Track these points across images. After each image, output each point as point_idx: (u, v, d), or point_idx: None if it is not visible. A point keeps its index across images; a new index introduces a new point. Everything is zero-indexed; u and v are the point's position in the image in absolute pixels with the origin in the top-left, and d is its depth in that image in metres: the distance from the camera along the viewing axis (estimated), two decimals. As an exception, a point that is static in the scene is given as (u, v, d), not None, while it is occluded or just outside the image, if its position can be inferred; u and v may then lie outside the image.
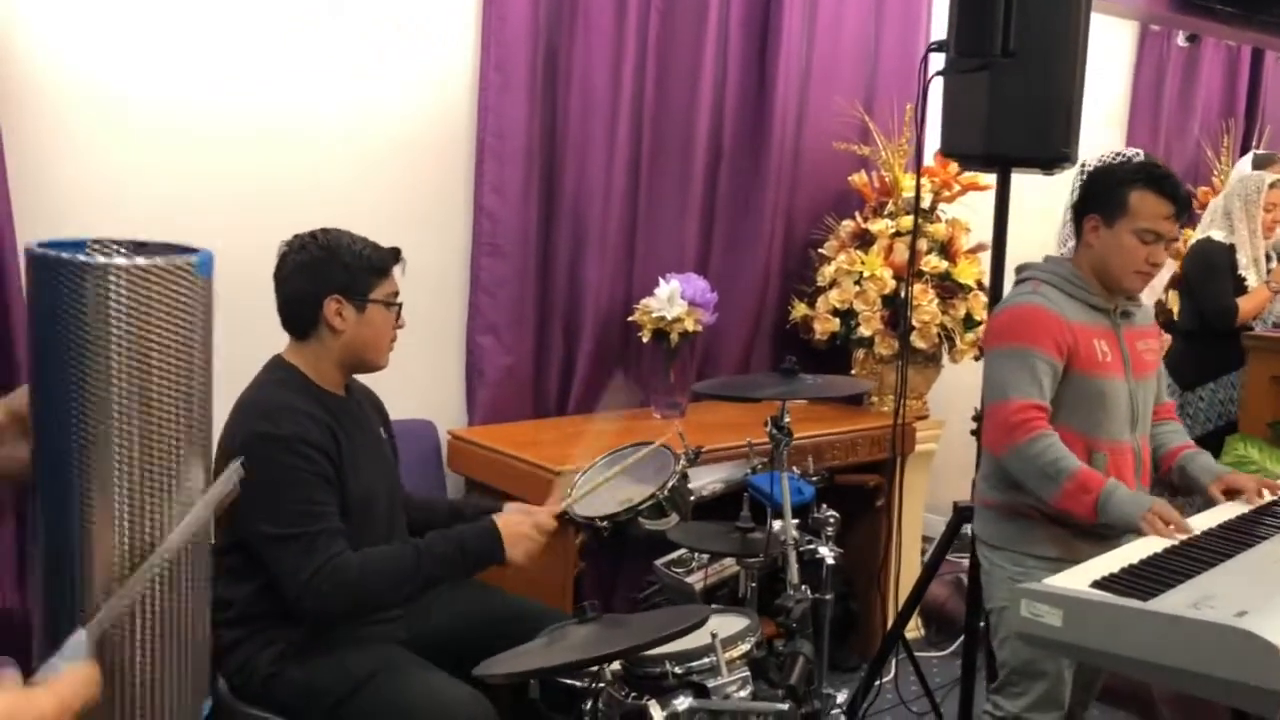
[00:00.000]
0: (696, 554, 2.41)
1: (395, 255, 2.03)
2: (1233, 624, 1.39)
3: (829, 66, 3.67)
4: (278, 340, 2.04)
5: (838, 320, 3.53)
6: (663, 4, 3.27)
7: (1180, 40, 4.42)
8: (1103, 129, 4.64)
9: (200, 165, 2.66)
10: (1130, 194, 2.15)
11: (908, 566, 3.43)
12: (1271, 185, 3.79)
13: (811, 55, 3.63)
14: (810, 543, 2.07)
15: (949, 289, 3.47)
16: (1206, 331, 3.75)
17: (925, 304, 3.40)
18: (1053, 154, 2.50)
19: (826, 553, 2.05)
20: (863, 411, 3.59)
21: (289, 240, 2.00)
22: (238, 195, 2.71)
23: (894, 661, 3.15)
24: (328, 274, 1.94)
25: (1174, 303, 4.34)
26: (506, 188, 3.08)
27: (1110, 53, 4.59)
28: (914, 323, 3.40)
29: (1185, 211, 2.19)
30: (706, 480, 2.22)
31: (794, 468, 2.17)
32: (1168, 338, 3.85)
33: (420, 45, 2.97)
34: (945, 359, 3.61)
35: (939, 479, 3.94)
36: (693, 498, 2.23)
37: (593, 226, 3.27)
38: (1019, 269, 2.35)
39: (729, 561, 2.36)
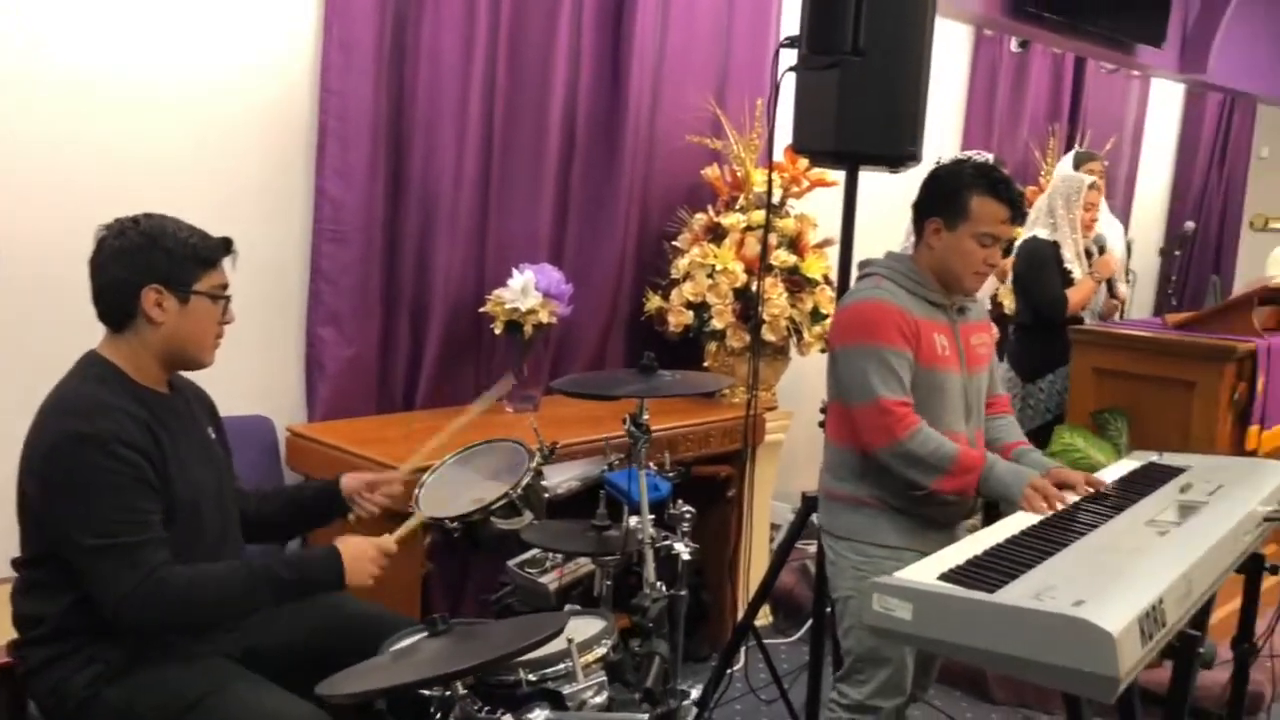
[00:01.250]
0: (551, 554, 2.35)
1: (225, 246, 1.89)
2: (1072, 614, 1.43)
3: (682, 58, 3.67)
4: (94, 334, 1.87)
5: (691, 313, 3.53)
6: (515, -12, 3.20)
7: (1013, 46, 4.62)
8: (942, 130, 4.82)
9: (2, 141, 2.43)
10: (971, 199, 2.21)
11: (757, 555, 3.48)
12: (1091, 186, 4.00)
13: (665, 45, 3.62)
14: (666, 539, 2.04)
15: (797, 283, 3.53)
16: (1042, 325, 3.93)
17: (775, 297, 3.44)
18: (900, 153, 2.55)
19: (682, 548, 2.03)
20: (715, 403, 3.60)
21: (108, 224, 1.84)
22: (47, 175, 2.49)
23: (744, 650, 3.18)
24: (148, 262, 1.78)
25: (1006, 297, 4.56)
26: (350, 171, 2.94)
27: (949, 56, 4.76)
28: (764, 316, 3.44)
29: (1020, 214, 2.28)
30: (562, 478, 2.17)
31: (651, 464, 2.15)
32: (998, 331, 4.03)
33: (256, 18, 2.80)
34: (794, 351, 3.67)
35: (787, 468, 4.02)
36: (547, 495, 2.17)
37: (443, 213, 3.17)
38: (862, 264, 2.40)
39: (583, 560, 2.32)
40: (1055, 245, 4.03)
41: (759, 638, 2.84)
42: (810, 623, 2.82)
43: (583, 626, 1.78)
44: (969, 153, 3.73)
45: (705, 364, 3.67)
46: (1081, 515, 2.03)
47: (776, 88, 2.68)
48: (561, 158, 3.41)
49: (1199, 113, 6.54)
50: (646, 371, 2.08)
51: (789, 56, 2.61)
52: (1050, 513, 2.03)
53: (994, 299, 4.66)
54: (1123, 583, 1.58)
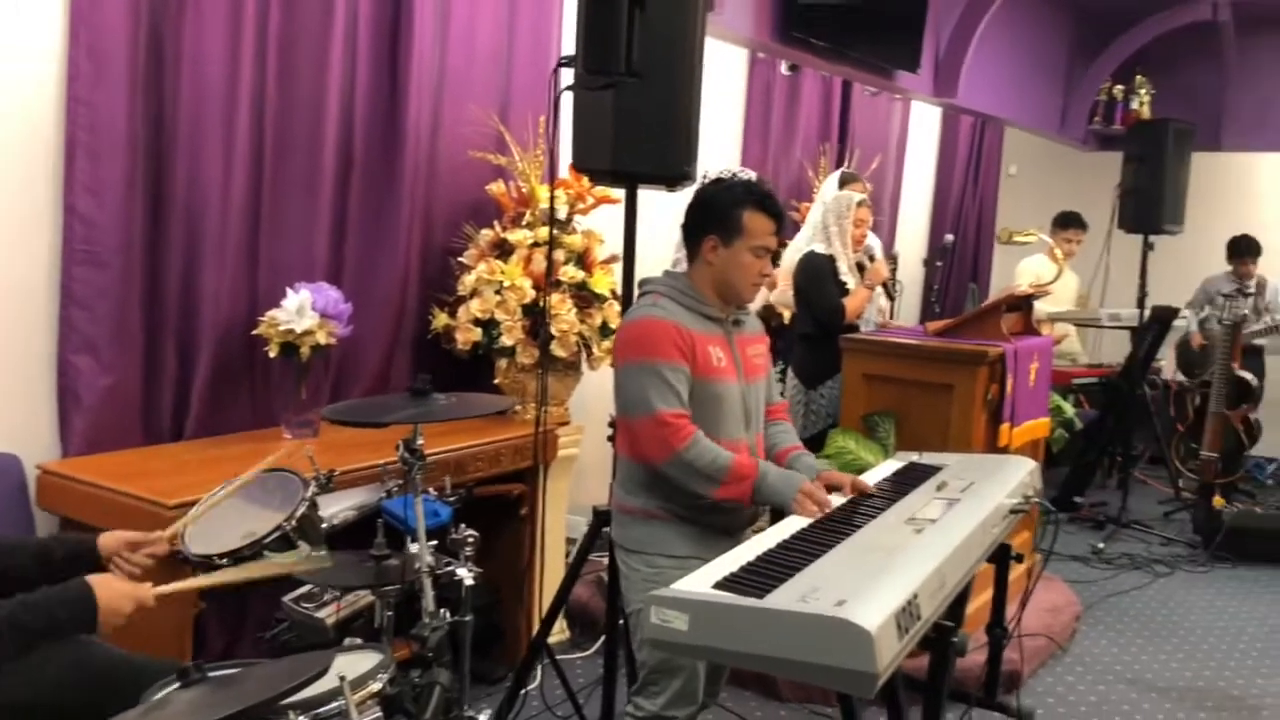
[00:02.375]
0: (328, 587, 2.27)
1: None
2: (834, 614, 1.51)
3: (463, 74, 3.63)
4: None
5: (479, 330, 3.50)
6: (283, -2, 3.08)
7: (783, 69, 4.84)
8: (722, 149, 4.99)
9: None
10: (744, 215, 2.31)
11: (554, 571, 3.48)
12: (859, 204, 4.25)
13: (445, 62, 3.58)
14: (449, 565, 2.01)
15: (585, 298, 3.56)
16: (822, 334, 4.13)
17: (563, 313, 3.46)
18: (675, 172, 2.61)
19: (465, 574, 2.00)
20: (506, 421, 3.58)
21: None
22: None
23: (540, 668, 3.18)
24: None
25: (783, 309, 4.76)
26: (103, 188, 2.74)
27: (727, 78, 4.94)
28: (553, 331, 3.45)
29: (784, 226, 2.40)
30: (338, 507, 2.10)
31: (430, 488, 2.10)
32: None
33: (-11, 21, 2.57)
34: (585, 366, 3.70)
35: (580, 482, 4.05)
36: (325, 526, 2.09)
37: (210, 232, 3.00)
38: (640, 283, 2.45)
39: (364, 591, 2.25)
40: (831, 259, 4.25)
41: (552, 655, 2.84)
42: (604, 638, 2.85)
43: (357, 661, 1.72)
44: (733, 170, 3.87)
45: (496, 380, 3.65)
46: (849, 516, 2.14)
47: (555, 107, 2.71)
48: (338, 174, 3.31)
49: (954, 133, 7.06)
50: (420, 395, 2.04)
51: (569, 75, 2.64)
52: (819, 515, 2.14)
53: (769, 309, 4.87)
54: (882, 581, 1.67)
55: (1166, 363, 6.46)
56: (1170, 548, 5.18)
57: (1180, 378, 6.36)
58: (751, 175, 3.89)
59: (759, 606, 1.58)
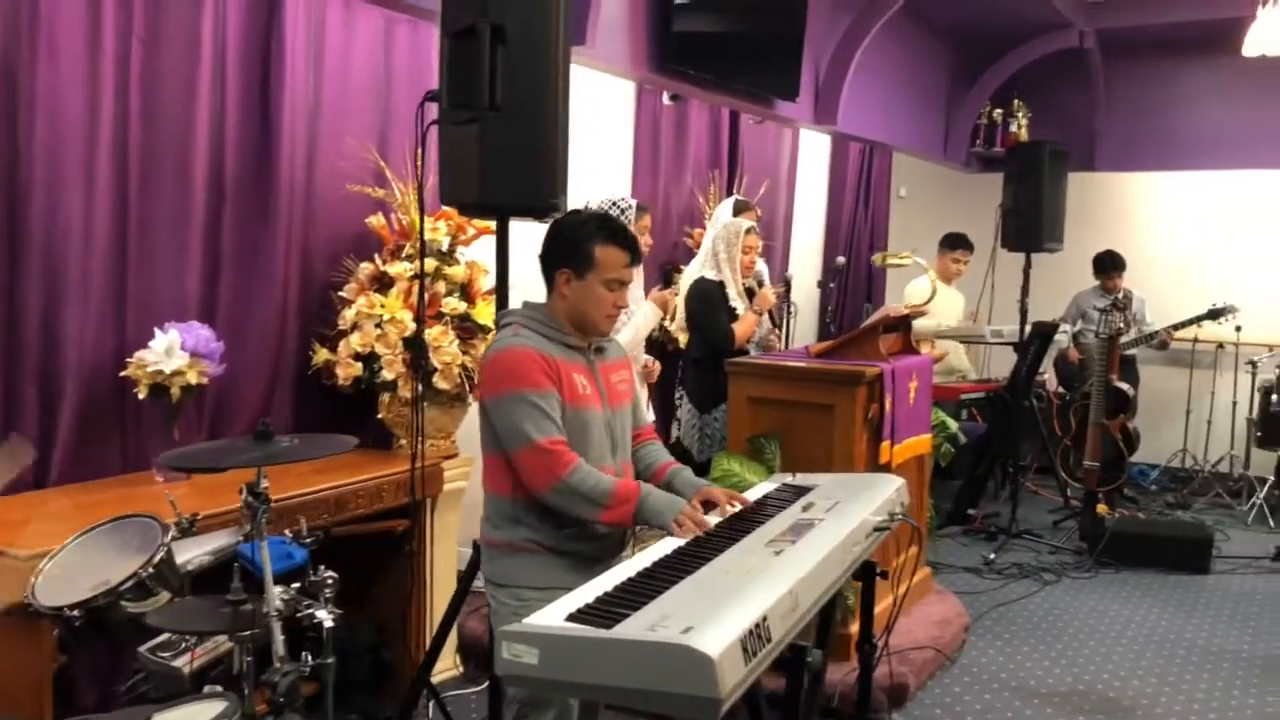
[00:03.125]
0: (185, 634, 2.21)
1: None
2: (677, 641, 1.52)
3: (339, 108, 3.61)
4: None
5: (360, 365, 3.46)
6: (145, 34, 3.02)
7: (665, 99, 4.91)
8: (612, 178, 5.04)
9: None
10: (595, 248, 2.33)
11: (445, 606, 3.44)
12: (747, 231, 4.33)
13: (320, 96, 3.55)
14: (309, 606, 1.98)
15: (469, 330, 3.54)
16: (713, 359, 4.18)
17: (446, 345, 3.44)
18: (543, 203, 2.64)
19: (325, 616, 1.97)
20: (392, 455, 3.55)
21: None
22: None
23: (430, 704, 3.13)
24: None
25: (680, 334, 4.81)
26: (-48, 229, 2.65)
27: (614, 108, 5.00)
28: (435, 364, 3.43)
29: (638, 257, 2.43)
30: (194, 553, 2.05)
31: (286, 530, 2.07)
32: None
33: None
34: (470, 398, 3.68)
35: (473, 515, 4.00)
36: (185, 571, 2.05)
37: (72, 274, 2.92)
38: (500, 314, 2.46)
39: (223, 638, 2.20)
40: (721, 284, 4.32)
41: (435, 692, 2.81)
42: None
43: (200, 711, 1.68)
44: (613, 199, 3.92)
45: (380, 416, 3.61)
46: (713, 540, 2.16)
47: (424, 140, 2.72)
48: (209, 211, 3.25)
49: (844, 157, 7.22)
50: (263, 438, 2.01)
51: (438, 110, 2.65)
52: (698, 533, 2.17)
53: (666, 332, 4.92)
54: (731, 605, 1.70)
55: (1049, 375, 6.70)
56: (1058, 556, 5.34)
57: (1061, 390, 6.59)
58: (632, 204, 3.95)
59: (607, 637, 1.59)
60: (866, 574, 2.44)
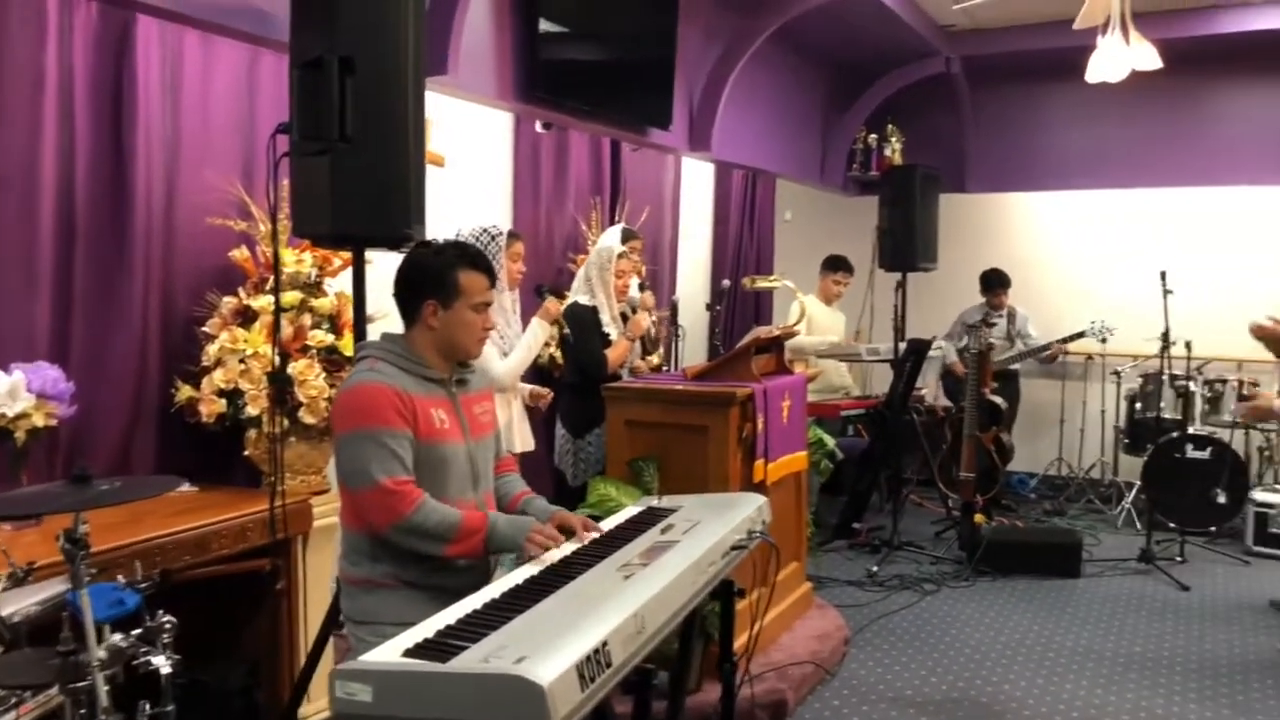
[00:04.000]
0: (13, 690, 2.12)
1: None
2: (508, 671, 1.53)
3: (199, 140, 3.54)
4: None
5: (224, 401, 3.38)
6: (-17, 66, 2.92)
7: (538, 127, 4.94)
8: (493, 207, 5.04)
9: None
10: (459, 275, 2.34)
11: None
12: (620, 255, 4.37)
13: (178, 128, 3.47)
14: (146, 654, 1.92)
15: (336, 362, 3.50)
16: (587, 383, 4.21)
17: (312, 379, 3.39)
18: (397, 234, 2.63)
19: (162, 662, 1.92)
20: (260, 493, 3.47)
21: None
22: None
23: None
24: None
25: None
26: None
27: (492, 136, 5.00)
28: (302, 398, 3.37)
29: (495, 279, 2.45)
30: (21, 604, 1.97)
31: (120, 576, 2.01)
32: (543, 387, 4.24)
33: None
34: (341, 431, 3.62)
35: (349, 550, 3.93)
36: (12, 622, 1.96)
37: (-95, 315, 2.80)
38: (358, 348, 2.44)
39: (55, 690, 2.11)
40: (594, 309, 4.35)
41: (300, 732, 2.74)
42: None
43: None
44: (482, 226, 3.92)
45: (246, 453, 3.53)
46: (566, 567, 2.17)
47: (276, 172, 2.69)
48: (59, 247, 3.15)
49: (728, 182, 7.36)
50: (80, 482, 1.95)
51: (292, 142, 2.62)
52: (551, 551, 2.18)
53: (554, 360, 4.93)
54: (572, 631, 1.71)
55: (928, 390, 6.91)
56: (939, 566, 5.49)
57: (945, 403, 6.81)
58: (504, 231, 3.96)
59: (440, 671, 1.58)
60: (725, 593, 2.47)
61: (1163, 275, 5.60)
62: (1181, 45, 5.87)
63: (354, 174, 2.55)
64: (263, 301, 3.47)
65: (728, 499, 2.83)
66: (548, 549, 2.22)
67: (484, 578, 2.44)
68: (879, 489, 6.40)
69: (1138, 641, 4.43)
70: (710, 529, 2.41)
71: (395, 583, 2.29)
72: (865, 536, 5.88)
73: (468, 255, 2.38)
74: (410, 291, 2.39)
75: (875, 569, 5.33)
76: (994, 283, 6.93)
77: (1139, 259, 6.84)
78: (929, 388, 6.92)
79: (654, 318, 4.92)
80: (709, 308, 6.74)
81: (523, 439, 4.10)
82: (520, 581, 2.08)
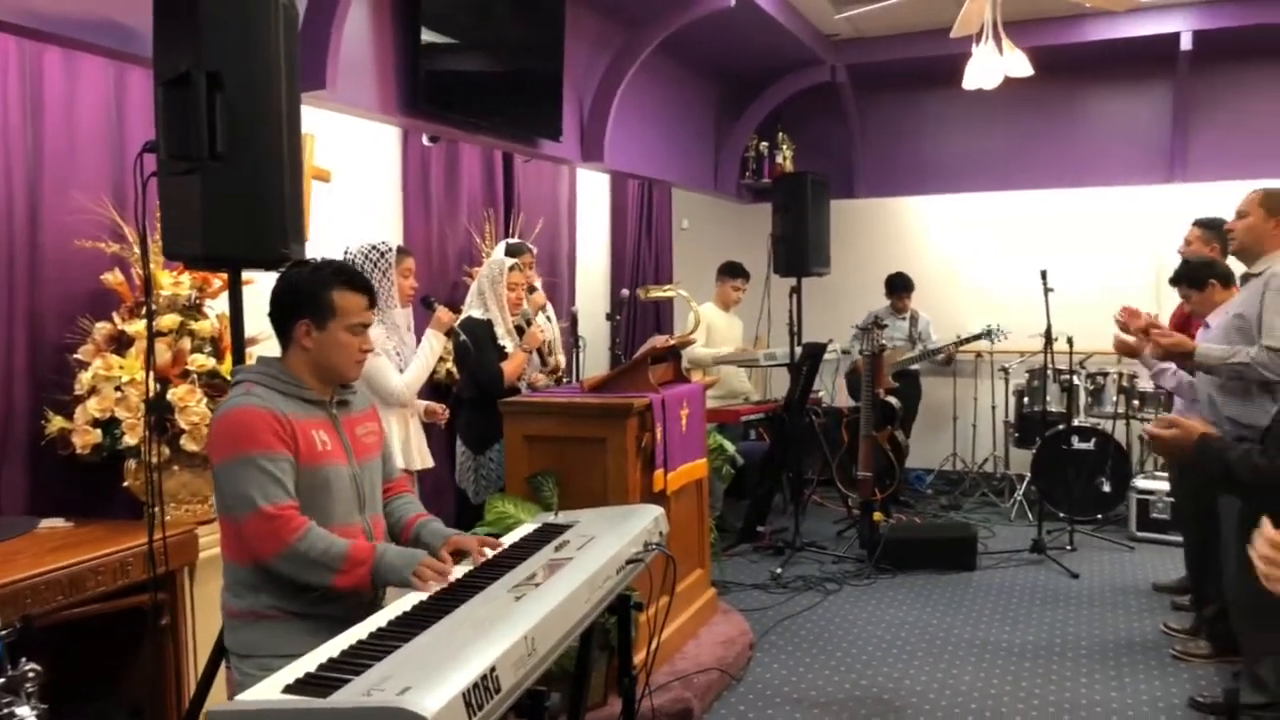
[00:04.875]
0: None
1: None
2: (390, 704, 1.48)
3: (64, 161, 3.39)
4: None
5: (100, 431, 3.24)
6: None
7: (425, 140, 4.88)
8: (381, 223, 4.95)
9: None
10: (333, 295, 2.29)
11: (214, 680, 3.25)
12: (511, 268, 4.33)
13: (41, 148, 3.32)
14: (10, 704, 1.82)
15: (219, 387, 3.38)
16: (485, 398, 4.15)
17: (193, 404, 3.27)
18: (273, 254, 2.55)
19: (26, 713, 1.82)
20: (143, 526, 3.33)
21: None
22: None
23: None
24: None
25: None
26: None
27: (379, 150, 4.91)
28: (183, 424, 3.25)
29: (375, 300, 2.40)
30: None
31: (-23, 624, 1.90)
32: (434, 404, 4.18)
33: None
34: (227, 458, 3.50)
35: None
36: None
37: None
38: (233, 373, 2.37)
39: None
40: (489, 323, 4.31)
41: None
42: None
43: None
44: (372, 243, 3.85)
45: (126, 484, 3.39)
46: (457, 591, 2.13)
47: (144, 192, 2.59)
48: (-89, 275, 2.98)
49: (624, 191, 7.38)
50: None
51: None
52: (444, 584, 2.13)
53: (451, 375, 4.86)
54: (459, 658, 1.67)
55: (824, 391, 7.04)
56: (841, 565, 5.57)
57: (851, 403, 6.93)
58: (393, 248, 3.89)
59: (321, 707, 1.53)
60: (623, 608, 2.46)
61: (1043, 274, 5.79)
62: (1052, 52, 6.11)
63: (226, 193, 2.47)
64: (139, 326, 3.34)
65: (625, 511, 2.82)
66: (439, 581, 2.16)
67: (373, 605, 2.38)
68: (782, 491, 6.48)
69: (1031, 630, 4.57)
70: (605, 544, 2.39)
71: (280, 614, 2.22)
72: (769, 539, 5.94)
73: (343, 274, 2.32)
74: (283, 312, 2.33)
75: (779, 571, 5.39)
76: (897, 286, 7.11)
77: (1021, 258, 7.08)
78: (828, 389, 7.03)
79: (548, 314, 4.90)
80: (609, 317, 6.73)
81: (422, 456, 4.04)
82: (409, 608, 2.03)
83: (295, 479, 2.21)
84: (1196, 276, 4.21)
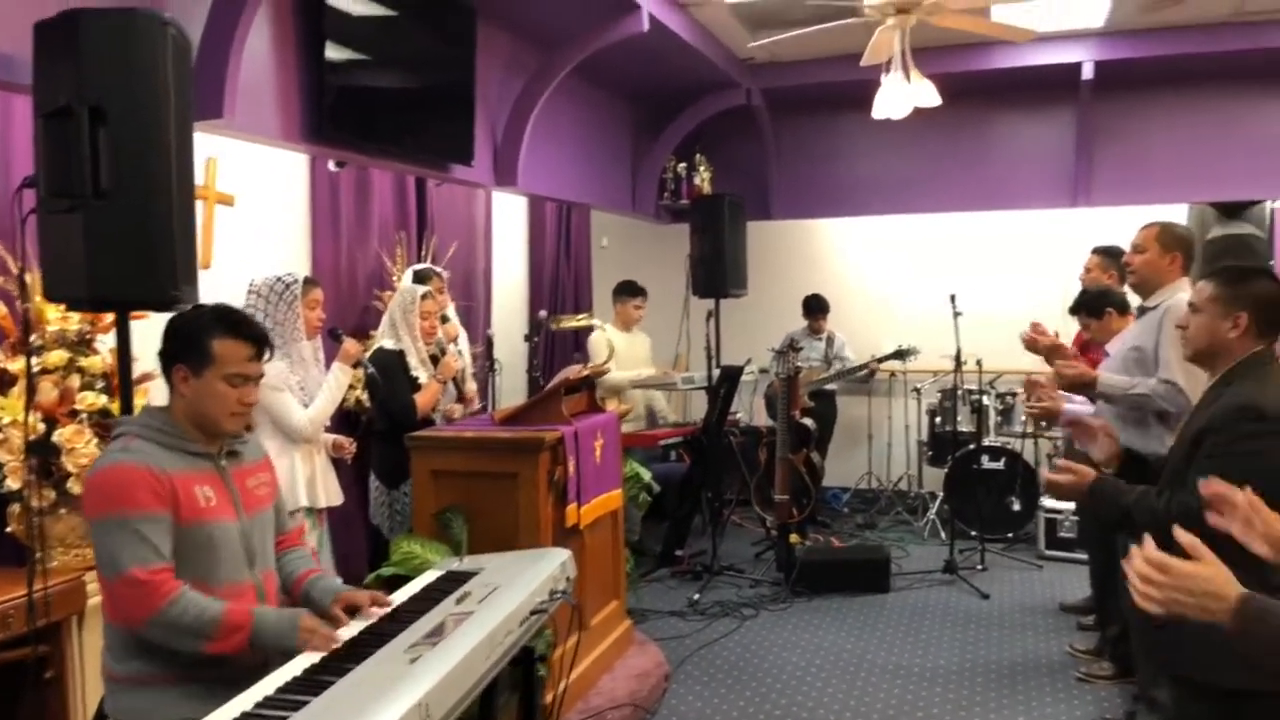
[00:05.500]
0: None
1: None
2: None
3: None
4: None
5: (-21, 475, 3.07)
6: None
7: (331, 165, 4.76)
8: (289, 251, 4.81)
9: None
10: (213, 342, 2.20)
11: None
12: (423, 296, 4.25)
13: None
14: None
15: (110, 426, 3.23)
16: (398, 431, 4.06)
17: (81, 446, 3.13)
18: (163, 296, 2.44)
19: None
20: (18, 574, 3.17)
21: None
22: None
23: None
24: None
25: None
26: None
27: (284, 176, 4.78)
28: (70, 467, 3.11)
29: (265, 348, 2.30)
30: None
31: None
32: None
33: None
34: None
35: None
36: None
37: None
38: (115, 424, 2.26)
39: None
40: (401, 354, 4.22)
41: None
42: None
43: None
44: (277, 275, 3.75)
45: (9, 529, 3.22)
46: (354, 650, 2.06)
47: (23, 230, 2.47)
48: None
49: (541, 212, 7.32)
50: None
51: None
52: (331, 648, 2.05)
53: (361, 404, 4.74)
54: (347, 733, 1.61)
55: (743, 412, 7.07)
56: (758, 589, 5.58)
57: (769, 422, 6.97)
58: (299, 279, 3.78)
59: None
60: (526, 660, 2.41)
61: (952, 298, 5.89)
62: (962, 79, 6.22)
63: (110, 232, 2.35)
64: (21, 364, 3.18)
65: (532, 556, 2.77)
66: (323, 648, 2.06)
67: (265, 666, 2.28)
68: (701, 513, 6.47)
69: (943, 654, 4.62)
70: (508, 595, 2.33)
71: (162, 679, 2.12)
72: (688, 563, 5.92)
73: (228, 320, 2.23)
74: (164, 355, 2.24)
75: (697, 597, 5.37)
76: (813, 308, 7.17)
77: (933, 279, 7.20)
78: (746, 409, 7.06)
79: (459, 348, 4.82)
80: (527, 339, 6.67)
81: (328, 493, 3.92)
82: (300, 672, 1.95)
83: (174, 539, 2.11)
84: (1094, 306, 4.31)
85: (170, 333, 2.23)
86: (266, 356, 2.29)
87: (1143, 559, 1.52)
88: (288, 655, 2.05)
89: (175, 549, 2.11)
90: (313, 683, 1.88)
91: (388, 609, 2.30)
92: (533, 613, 2.33)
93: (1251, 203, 6.76)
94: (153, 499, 2.07)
